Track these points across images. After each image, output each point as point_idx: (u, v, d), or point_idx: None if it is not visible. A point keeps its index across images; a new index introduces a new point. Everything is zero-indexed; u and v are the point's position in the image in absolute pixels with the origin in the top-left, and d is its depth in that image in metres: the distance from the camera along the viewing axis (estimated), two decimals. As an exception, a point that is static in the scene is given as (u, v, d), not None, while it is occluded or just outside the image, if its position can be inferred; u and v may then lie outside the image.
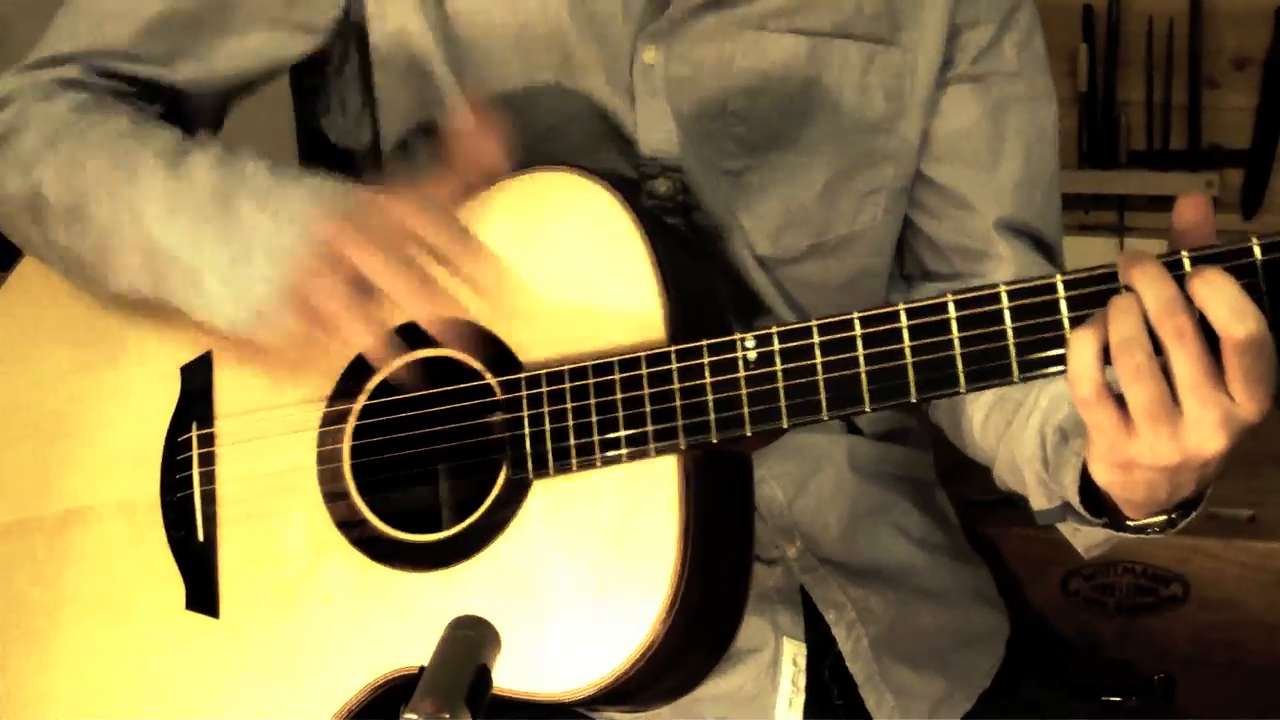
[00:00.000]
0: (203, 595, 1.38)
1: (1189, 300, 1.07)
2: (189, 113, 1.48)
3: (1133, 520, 1.23)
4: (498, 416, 1.30)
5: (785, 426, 1.21)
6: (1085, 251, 2.86)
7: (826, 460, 1.53)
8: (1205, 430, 1.08)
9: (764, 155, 1.44)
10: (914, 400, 1.17)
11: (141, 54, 1.44)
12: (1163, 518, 1.22)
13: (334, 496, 1.35)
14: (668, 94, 1.42)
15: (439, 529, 1.34)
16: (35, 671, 1.42)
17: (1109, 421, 1.10)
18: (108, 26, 1.44)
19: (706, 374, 1.23)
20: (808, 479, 1.52)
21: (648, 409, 1.24)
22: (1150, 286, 1.07)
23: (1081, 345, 1.09)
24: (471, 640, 1.01)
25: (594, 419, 1.26)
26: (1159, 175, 2.75)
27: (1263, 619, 1.86)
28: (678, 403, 1.23)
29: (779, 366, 1.21)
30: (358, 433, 1.35)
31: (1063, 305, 1.13)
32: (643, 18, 1.41)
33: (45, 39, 1.47)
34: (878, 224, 1.50)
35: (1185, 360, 1.07)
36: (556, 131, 1.42)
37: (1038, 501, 1.36)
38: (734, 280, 1.48)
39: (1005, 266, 1.49)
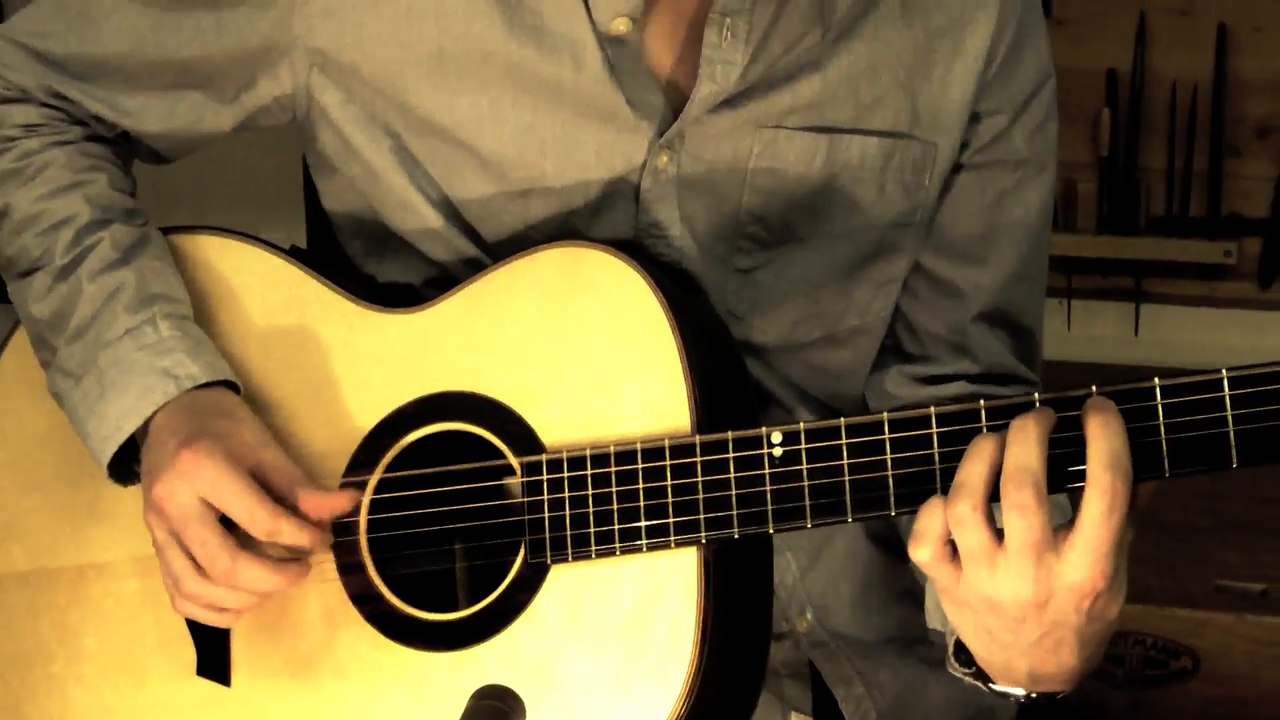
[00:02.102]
0: (213, 662, 1.37)
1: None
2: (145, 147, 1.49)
3: (995, 683, 1.21)
4: (519, 498, 1.29)
5: (809, 526, 1.20)
6: (1101, 316, 2.86)
7: (840, 527, 1.51)
8: (1013, 574, 1.10)
9: (777, 251, 1.42)
10: (940, 508, 1.16)
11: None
12: (1021, 691, 1.21)
13: (349, 569, 1.34)
14: (679, 196, 1.38)
15: (453, 603, 1.34)
16: None
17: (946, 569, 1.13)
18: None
19: (731, 469, 1.22)
20: (821, 547, 1.51)
21: (670, 500, 1.23)
22: (1018, 446, 1.10)
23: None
24: (496, 711, 1.00)
25: (615, 507, 1.25)
26: (1177, 242, 2.75)
27: (1272, 694, 1.85)
28: (700, 495, 1.23)
29: (805, 465, 1.20)
30: (374, 506, 1.34)
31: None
32: (661, 122, 1.37)
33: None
34: (887, 315, 1.49)
35: (1019, 529, 1.09)
36: (542, 228, 1.40)
37: (932, 620, 1.35)
38: None
39: (972, 362, 1.48)
